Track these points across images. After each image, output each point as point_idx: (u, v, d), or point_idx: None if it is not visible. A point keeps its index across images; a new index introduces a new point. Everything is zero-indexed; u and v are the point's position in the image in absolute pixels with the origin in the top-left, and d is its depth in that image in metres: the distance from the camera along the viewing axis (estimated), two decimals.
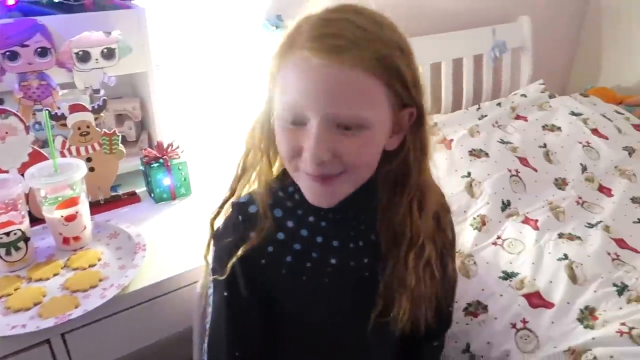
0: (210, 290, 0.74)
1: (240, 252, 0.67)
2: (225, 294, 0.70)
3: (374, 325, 0.71)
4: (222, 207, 0.73)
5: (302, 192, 0.66)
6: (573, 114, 1.67)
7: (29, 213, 1.00)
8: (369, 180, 0.66)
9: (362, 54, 0.56)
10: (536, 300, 1.11)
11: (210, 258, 0.73)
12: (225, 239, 0.70)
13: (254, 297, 0.70)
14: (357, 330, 0.72)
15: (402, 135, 0.66)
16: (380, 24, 0.59)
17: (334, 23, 0.58)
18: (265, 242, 0.68)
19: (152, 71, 1.14)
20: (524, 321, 1.08)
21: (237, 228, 0.69)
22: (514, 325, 1.09)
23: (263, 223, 0.67)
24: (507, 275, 1.17)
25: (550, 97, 1.79)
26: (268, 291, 0.70)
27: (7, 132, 0.98)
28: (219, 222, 0.73)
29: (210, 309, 0.74)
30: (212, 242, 0.72)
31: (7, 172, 0.99)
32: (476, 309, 1.16)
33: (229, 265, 0.67)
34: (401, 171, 0.67)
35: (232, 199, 0.72)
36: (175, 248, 1.02)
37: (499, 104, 1.71)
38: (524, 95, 1.78)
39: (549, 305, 1.09)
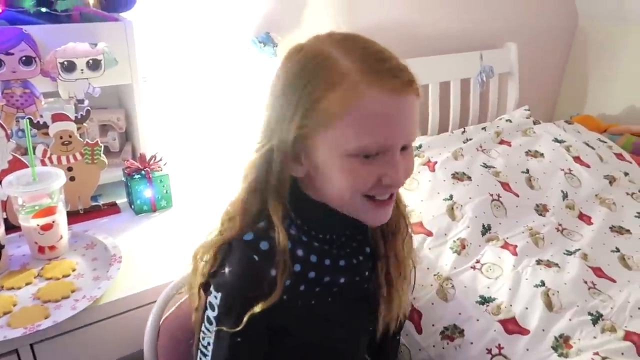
0: (210, 339, 0.66)
1: (270, 300, 0.63)
2: (239, 339, 0.65)
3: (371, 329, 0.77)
4: (218, 252, 0.67)
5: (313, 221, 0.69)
6: (556, 140, 1.69)
7: (5, 220, 1.00)
8: None
9: (416, 84, 0.62)
10: (512, 326, 1.11)
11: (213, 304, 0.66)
12: (238, 284, 0.65)
13: (267, 337, 0.69)
14: (355, 341, 0.77)
15: None
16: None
17: (385, 54, 0.61)
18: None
19: (137, 83, 1.15)
20: (499, 347, 1.08)
21: (254, 269, 0.64)
22: (489, 351, 1.09)
23: (284, 257, 0.64)
24: (484, 300, 1.17)
25: (535, 123, 1.82)
26: (279, 324, 0.68)
27: None
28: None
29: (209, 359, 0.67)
30: (216, 289, 0.66)
31: None
32: (453, 333, 1.16)
33: (250, 314, 0.63)
34: None
35: (232, 239, 0.67)
36: (152, 261, 1.02)
37: (484, 128, 1.73)
38: (509, 121, 1.81)
39: (524, 331, 1.10)
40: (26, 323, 0.82)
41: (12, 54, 0.98)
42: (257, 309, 0.63)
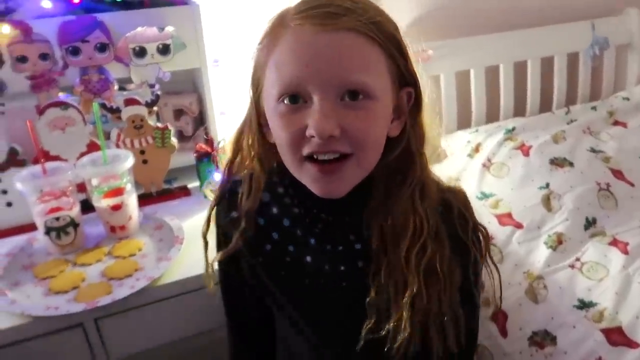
0: None
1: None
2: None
3: (365, 343, 0.62)
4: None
5: (301, 188, 0.62)
6: None
7: (86, 201, 1.05)
8: (364, 179, 0.62)
9: (358, 17, 0.54)
10: (617, 337, 0.95)
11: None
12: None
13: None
14: (347, 348, 0.64)
15: (403, 122, 0.63)
16: (368, 2, 0.58)
17: None
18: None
19: (206, 67, 1.15)
20: None
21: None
22: None
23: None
24: (584, 305, 1.01)
25: None
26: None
27: (66, 123, 1.03)
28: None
29: None
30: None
31: (66, 160, 1.05)
32: (543, 339, 1.02)
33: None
34: (401, 161, 0.63)
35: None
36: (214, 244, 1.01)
37: (593, 108, 1.51)
38: (626, 99, 1.56)
39: (633, 344, 0.93)
40: (88, 299, 0.85)
41: (88, 41, 1.03)
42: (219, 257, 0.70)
